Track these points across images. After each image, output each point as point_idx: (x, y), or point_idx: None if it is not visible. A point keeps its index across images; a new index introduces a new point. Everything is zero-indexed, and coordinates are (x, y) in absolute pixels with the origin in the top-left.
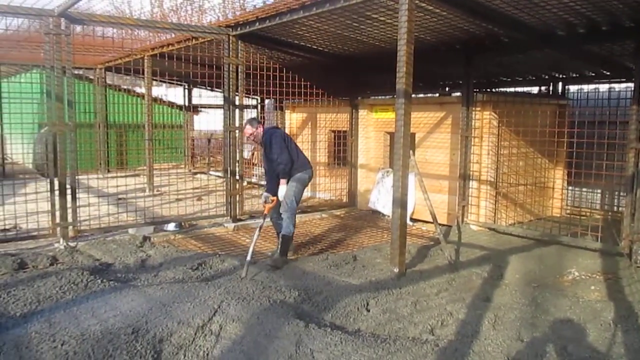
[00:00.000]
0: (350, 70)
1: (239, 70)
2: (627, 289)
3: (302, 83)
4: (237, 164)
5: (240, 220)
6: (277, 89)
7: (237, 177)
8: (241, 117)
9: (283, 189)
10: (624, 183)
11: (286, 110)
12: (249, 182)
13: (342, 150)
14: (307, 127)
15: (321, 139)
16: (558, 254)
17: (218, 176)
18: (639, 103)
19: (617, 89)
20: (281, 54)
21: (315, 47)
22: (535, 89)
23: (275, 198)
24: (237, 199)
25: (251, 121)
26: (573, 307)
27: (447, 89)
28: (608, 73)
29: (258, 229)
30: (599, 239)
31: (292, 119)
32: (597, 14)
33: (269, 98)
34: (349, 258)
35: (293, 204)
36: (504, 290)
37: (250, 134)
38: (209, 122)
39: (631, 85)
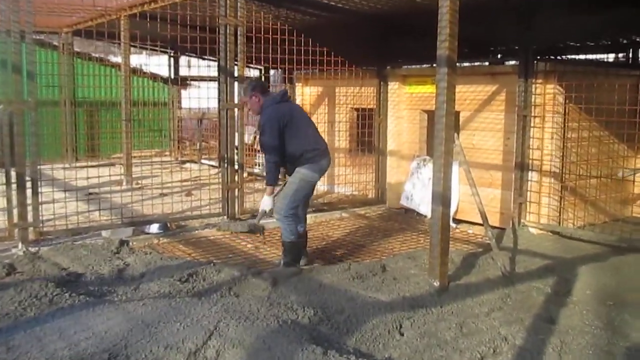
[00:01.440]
0: (378, 32)
1: (239, 33)
2: None
3: (318, 49)
4: (235, 151)
5: (240, 220)
6: (286, 56)
7: (236, 167)
8: (241, 91)
9: (266, 200)
10: None
11: (297, 84)
12: (250, 174)
13: (367, 133)
14: (323, 104)
15: (341, 119)
16: None
17: (212, 166)
18: None
19: None
20: (291, 13)
21: (333, 3)
22: (611, 57)
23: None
24: (236, 194)
25: (245, 87)
26: None
27: (499, 56)
28: None
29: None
30: None
31: (305, 94)
32: None
33: (276, 68)
34: (376, 268)
35: (289, 206)
36: (572, 309)
37: (244, 103)
38: (201, 98)
39: None
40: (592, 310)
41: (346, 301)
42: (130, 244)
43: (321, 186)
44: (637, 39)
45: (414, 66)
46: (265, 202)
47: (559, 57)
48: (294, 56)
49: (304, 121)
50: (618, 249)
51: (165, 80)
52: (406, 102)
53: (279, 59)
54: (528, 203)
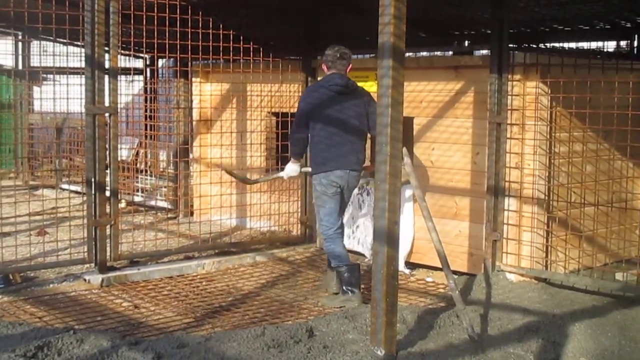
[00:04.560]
0: (305, 9)
1: (111, 9)
2: None
3: (222, 33)
4: (107, 171)
5: (113, 269)
6: (179, 42)
7: (108, 194)
8: (115, 89)
9: (288, 168)
10: None
11: (194, 79)
12: (130, 203)
13: (290, 146)
14: (230, 107)
15: (254, 128)
16: None
17: (76, 192)
18: None
19: None
20: None
21: None
22: (611, 45)
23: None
24: (108, 232)
25: (328, 50)
26: None
27: (466, 43)
28: None
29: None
30: None
31: (204, 93)
32: None
33: (165, 57)
34: (300, 333)
35: (322, 225)
36: None
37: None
38: (61, 98)
39: None
40: None
41: None
42: None
43: (227, 220)
44: None
45: (353, 56)
46: (287, 167)
47: (543, 46)
48: (190, 41)
49: (333, 121)
50: (623, 301)
51: (9, 74)
52: None
53: (167, 45)
54: (505, 240)
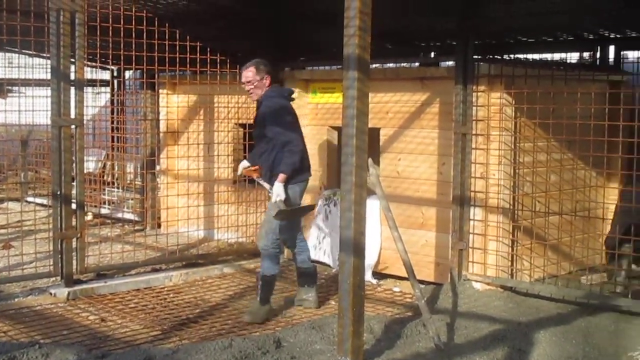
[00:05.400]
0: (272, 20)
1: (77, 20)
2: None
3: (189, 44)
4: (74, 184)
5: (80, 282)
6: (146, 53)
7: (74, 207)
8: (81, 100)
9: (278, 187)
10: None
11: (162, 90)
12: (96, 215)
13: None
14: (197, 118)
15: (221, 139)
16: (615, 327)
17: (42, 205)
18: None
19: None
20: None
21: None
22: (574, 57)
23: (256, 168)
24: (75, 245)
25: (258, 63)
26: None
27: (432, 54)
28: None
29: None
30: None
31: (171, 104)
32: None
33: (132, 69)
34: (268, 344)
35: (270, 236)
36: None
37: (249, 82)
38: (26, 110)
39: None
40: None
41: None
42: None
43: (195, 231)
44: (605, 34)
45: (320, 67)
46: (277, 187)
47: (507, 57)
48: (157, 53)
49: (299, 131)
50: (587, 308)
51: None
52: (309, 115)
53: (134, 57)
54: (471, 250)
